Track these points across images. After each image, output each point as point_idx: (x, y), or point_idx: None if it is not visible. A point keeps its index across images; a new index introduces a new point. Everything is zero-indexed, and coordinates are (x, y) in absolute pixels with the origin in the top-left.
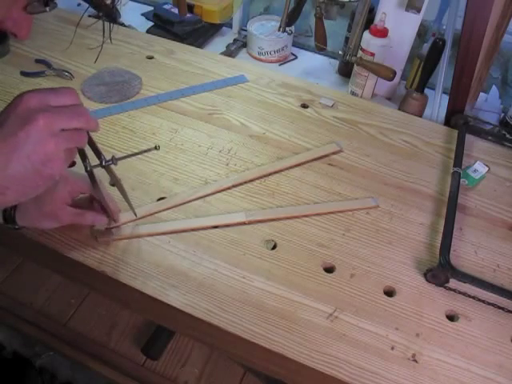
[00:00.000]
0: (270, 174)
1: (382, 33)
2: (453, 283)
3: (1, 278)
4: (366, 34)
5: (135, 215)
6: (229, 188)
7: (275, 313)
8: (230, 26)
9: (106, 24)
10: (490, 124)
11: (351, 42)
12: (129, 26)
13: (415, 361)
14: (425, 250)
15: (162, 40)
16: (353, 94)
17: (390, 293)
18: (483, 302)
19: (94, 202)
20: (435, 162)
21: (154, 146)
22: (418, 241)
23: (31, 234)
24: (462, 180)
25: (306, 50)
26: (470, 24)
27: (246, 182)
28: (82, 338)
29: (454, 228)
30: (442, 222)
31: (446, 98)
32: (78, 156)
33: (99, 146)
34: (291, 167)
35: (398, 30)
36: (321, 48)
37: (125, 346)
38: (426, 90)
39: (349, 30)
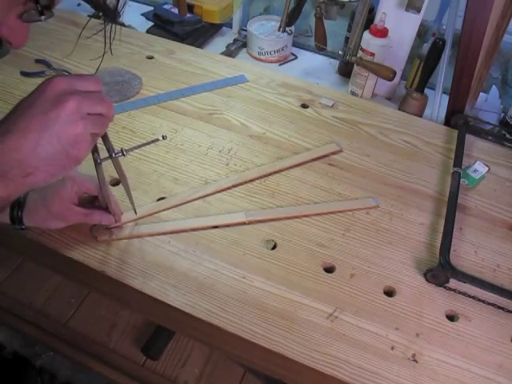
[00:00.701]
0: (270, 174)
1: (382, 33)
2: (453, 283)
3: (1, 278)
4: (366, 34)
5: (135, 213)
6: (229, 188)
7: (275, 313)
8: (230, 26)
9: (108, 25)
10: (490, 124)
11: (351, 42)
12: (129, 26)
13: (415, 361)
14: (425, 250)
15: (162, 40)
16: (353, 94)
17: (390, 293)
18: (483, 301)
19: (97, 201)
20: (435, 162)
21: (161, 136)
22: (418, 241)
23: (31, 234)
24: (462, 180)
25: (306, 50)
26: (470, 24)
27: (246, 182)
28: (82, 338)
29: (454, 228)
30: (442, 222)
31: (446, 98)
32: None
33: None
34: (291, 167)
35: (398, 30)
36: (321, 48)
37: (125, 346)
38: (426, 90)
39: (349, 30)
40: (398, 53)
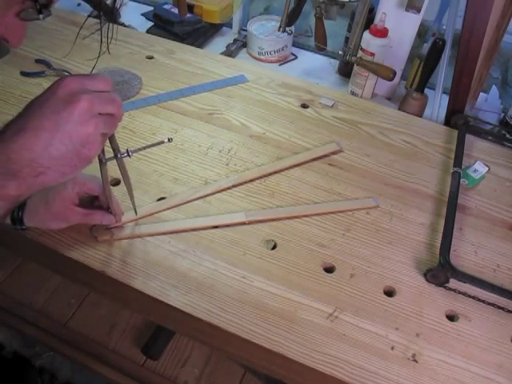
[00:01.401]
0: (270, 174)
1: (382, 33)
2: (453, 283)
3: (1, 278)
4: (366, 34)
5: (136, 213)
6: (229, 188)
7: (275, 313)
8: (230, 26)
9: (105, 25)
10: (490, 124)
11: (351, 42)
12: (129, 26)
13: (415, 361)
14: (425, 250)
15: (162, 40)
16: (353, 94)
17: (390, 293)
18: (483, 301)
19: (96, 201)
20: (435, 162)
21: (167, 138)
22: (418, 241)
23: (31, 233)
24: (462, 180)
25: (306, 50)
26: (470, 24)
27: (246, 182)
28: (82, 337)
29: (454, 228)
30: (442, 222)
31: (446, 98)
32: None
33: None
34: (291, 167)
35: (398, 30)
36: (321, 48)
37: (125, 346)
38: (426, 90)
39: (349, 30)
40: (398, 53)
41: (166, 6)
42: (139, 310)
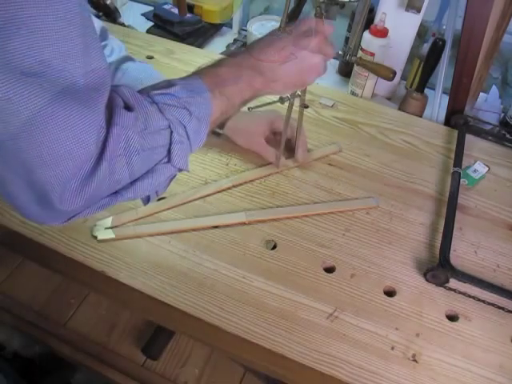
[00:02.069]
0: (270, 174)
1: (382, 33)
2: (453, 283)
3: (1, 277)
4: (366, 34)
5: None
6: (229, 188)
7: (275, 313)
8: (230, 26)
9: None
10: (490, 124)
11: (351, 42)
12: (129, 26)
13: (415, 361)
14: (425, 250)
15: (162, 40)
16: (353, 94)
17: (390, 293)
18: (483, 301)
19: (277, 136)
20: (435, 162)
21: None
22: (418, 241)
23: (31, 234)
24: (462, 180)
25: None
26: (470, 24)
27: (246, 182)
28: (82, 338)
29: (454, 228)
30: (442, 222)
31: (446, 98)
32: None
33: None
34: (291, 167)
35: (398, 30)
36: None
37: (125, 346)
38: (426, 90)
39: (349, 30)
40: (397, 53)
41: (165, 6)
42: (139, 310)
